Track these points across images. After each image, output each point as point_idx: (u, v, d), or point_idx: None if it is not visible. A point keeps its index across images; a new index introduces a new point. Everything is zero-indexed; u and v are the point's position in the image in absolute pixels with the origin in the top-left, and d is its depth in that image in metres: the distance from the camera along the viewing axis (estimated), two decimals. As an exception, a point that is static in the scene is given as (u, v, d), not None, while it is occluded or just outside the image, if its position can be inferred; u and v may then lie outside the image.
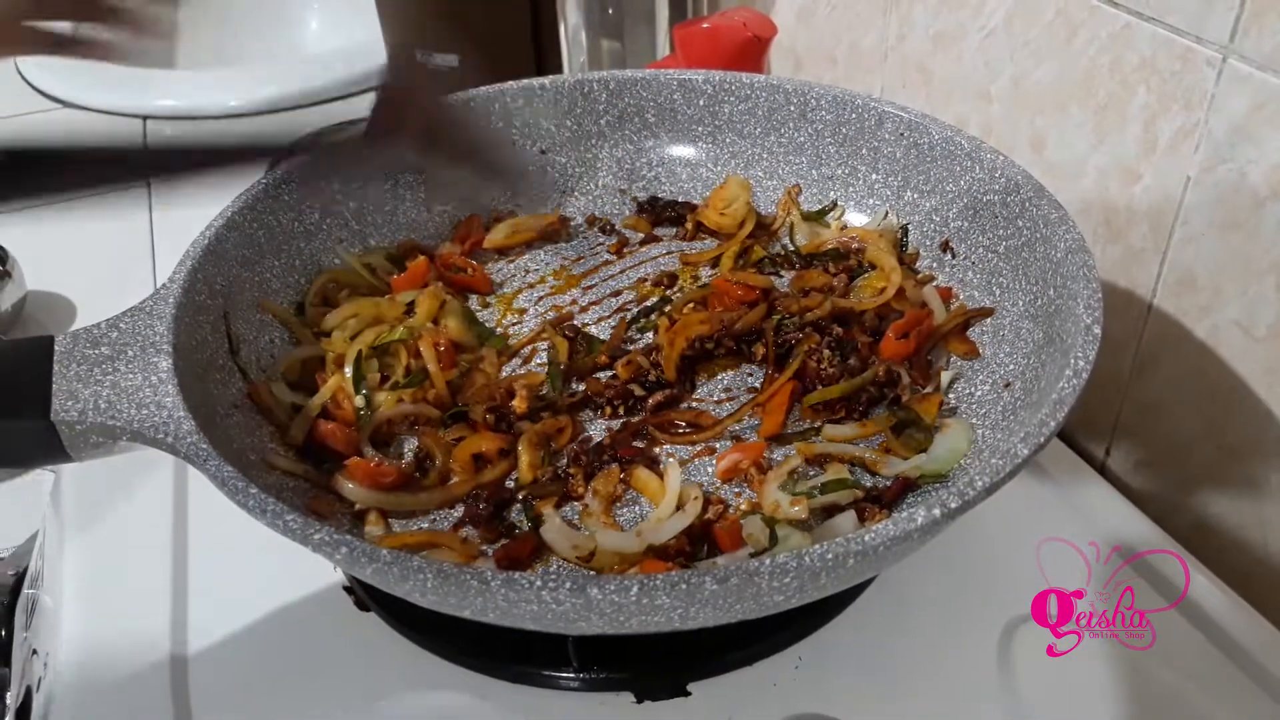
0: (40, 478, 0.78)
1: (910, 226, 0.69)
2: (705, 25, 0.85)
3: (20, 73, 1.28)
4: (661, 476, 0.55)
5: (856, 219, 0.72)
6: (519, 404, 0.58)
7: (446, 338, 0.62)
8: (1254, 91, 0.54)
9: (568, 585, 0.39)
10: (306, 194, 0.65)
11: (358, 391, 0.58)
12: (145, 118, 1.18)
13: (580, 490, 0.54)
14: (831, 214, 0.72)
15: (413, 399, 0.58)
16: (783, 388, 0.59)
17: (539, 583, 0.39)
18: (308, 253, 0.65)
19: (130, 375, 0.48)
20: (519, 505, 0.54)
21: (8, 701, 0.57)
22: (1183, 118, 0.59)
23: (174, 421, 0.46)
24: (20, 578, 0.66)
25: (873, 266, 0.67)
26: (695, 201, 0.76)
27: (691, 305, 0.66)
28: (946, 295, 0.64)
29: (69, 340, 0.49)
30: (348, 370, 0.58)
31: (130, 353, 0.49)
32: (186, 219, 0.99)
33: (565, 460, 0.56)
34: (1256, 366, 0.58)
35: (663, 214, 0.75)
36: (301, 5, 1.56)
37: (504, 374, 0.62)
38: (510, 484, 0.56)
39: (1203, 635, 0.55)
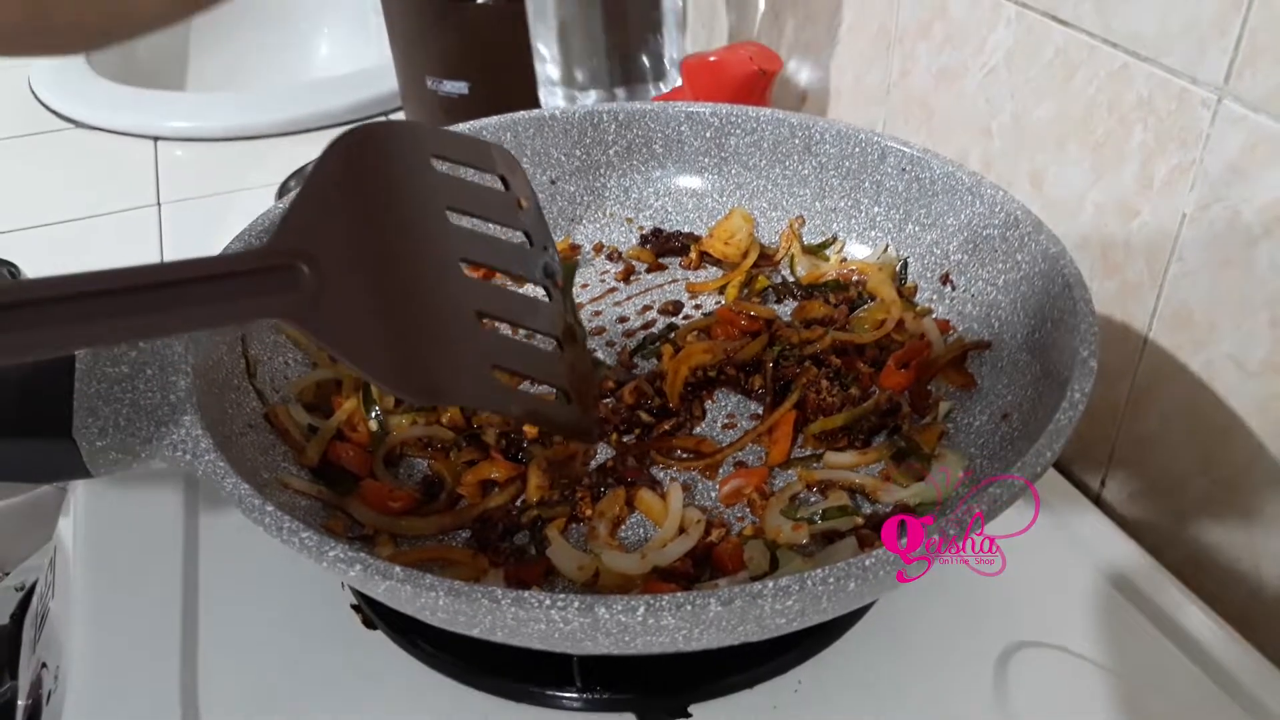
0: (50, 493, 0.79)
1: (911, 259, 0.70)
2: (712, 58, 0.86)
3: (33, 92, 1.30)
4: (665, 499, 0.56)
5: (859, 250, 0.73)
6: (530, 428, 0.59)
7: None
8: (1248, 132, 0.56)
9: (576, 605, 0.40)
10: None
11: (369, 415, 0.59)
12: (156, 139, 1.20)
13: (588, 511, 0.55)
14: (831, 248, 0.73)
15: (426, 422, 0.59)
16: (785, 417, 0.60)
17: (548, 602, 0.40)
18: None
19: (149, 394, 0.49)
20: (526, 530, 0.55)
21: (16, 715, 0.58)
22: (1179, 156, 0.60)
23: (192, 440, 0.47)
24: (29, 592, 0.67)
25: (872, 298, 0.68)
26: (700, 232, 0.77)
27: (695, 333, 0.67)
28: (945, 328, 0.65)
29: (89, 358, 0.50)
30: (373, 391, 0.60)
31: (149, 372, 0.50)
32: (196, 241, 1.01)
33: (567, 480, 0.58)
34: (1249, 401, 0.59)
35: (666, 245, 0.76)
36: (312, 30, 1.58)
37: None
38: (518, 504, 0.57)
39: (1198, 669, 0.55)
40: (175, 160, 1.17)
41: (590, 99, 0.89)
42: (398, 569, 0.41)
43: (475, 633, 0.43)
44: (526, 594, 0.40)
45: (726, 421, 0.62)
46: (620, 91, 0.90)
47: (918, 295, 0.69)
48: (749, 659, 0.53)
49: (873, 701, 0.53)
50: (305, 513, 0.53)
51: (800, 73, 0.97)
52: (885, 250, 0.71)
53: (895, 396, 0.61)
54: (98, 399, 0.49)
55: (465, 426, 0.60)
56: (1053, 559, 0.61)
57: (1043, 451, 0.46)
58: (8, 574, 0.74)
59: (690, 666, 0.53)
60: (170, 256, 0.99)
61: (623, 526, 0.56)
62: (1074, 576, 0.60)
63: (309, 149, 1.12)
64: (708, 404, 0.63)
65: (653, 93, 0.90)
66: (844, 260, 0.72)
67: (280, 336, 0.62)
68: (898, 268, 0.70)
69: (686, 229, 0.77)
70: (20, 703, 0.58)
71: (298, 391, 0.61)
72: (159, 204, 1.08)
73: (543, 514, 0.55)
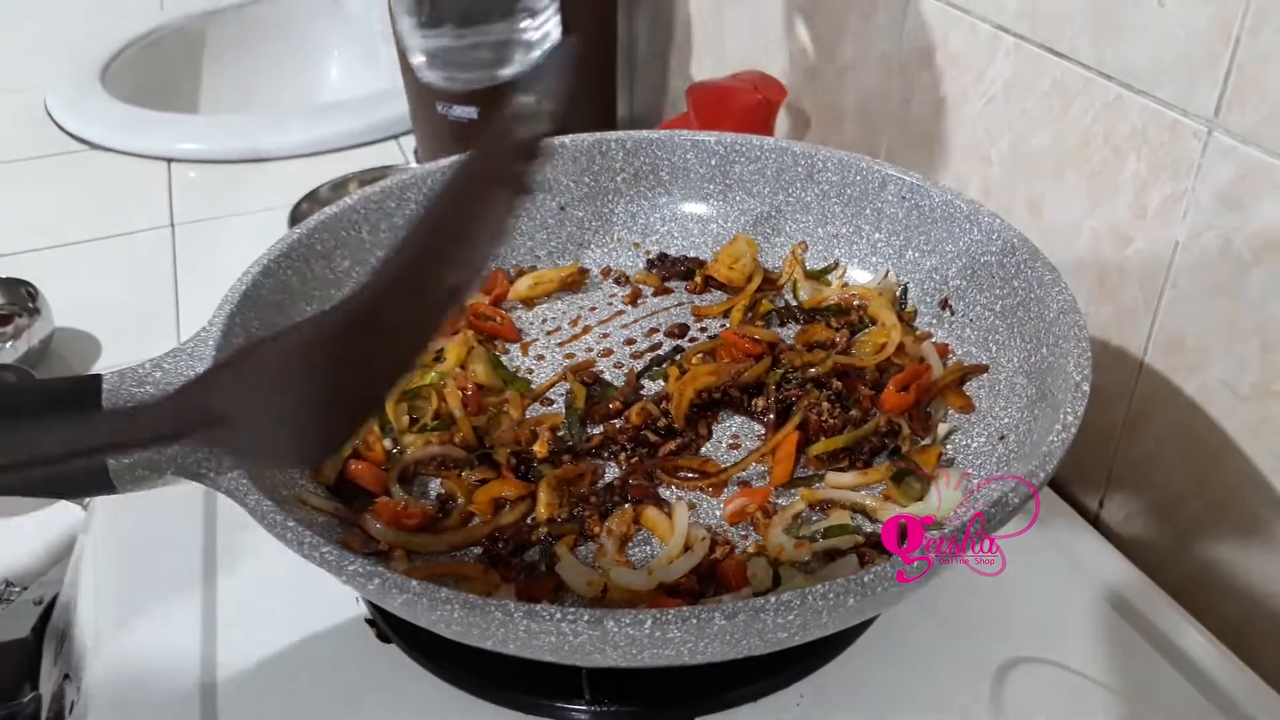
0: (65, 508, 0.80)
1: (911, 285, 0.72)
2: (718, 87, 0.88)
3: (49, 114, 1.32)
4: (670, 517, 0.57)
5: (860, 276, 0.74)
6: (540, 448, 0.60)
7: (473, 382, 0.65)
8: (1237, 163, 0.57)
9: (585, 617, 0.41)
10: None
11: (384, 435, 0.61)
12: (169, 160, 1.22)
13: (596, 529, 0.57)
14: (833, 273, 0.75)
15: (440, 441, 0.61)
16: (788, 438, 0.61)
17: (558, 615, 0.41)
18: (337, 299, 0.68)
19: (173, 413, 0.51)
20: (536, 547, 0.57)
21: (40, 724, 0.59)
22: (1171, 186, 0.62)
23: (215, 457, 0.49)
24: (50, 606, 0.69)
25: (873, 321, 0.70)
26: (705, 256, 0.79)
27: (700, 356, 0.69)
28: (943, 352, 0.67)
29: (115, 379, 0.52)
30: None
31: (173, 392, 0.52)
32: (208, 260, 1.03)
33: (575, 499, 0.59)
34: (1241, 424, 0.61)
35: (672, 270, 0.78)
36: (323, 54, 1.60)
37: (527, 416, 0.65)
38: (529, 522, 0.58)
39: (1192, 686, 0.56)
40: (188, 181, 1.19)
41: (436, 41, 0.84)
42: (414, 583, 0.43)
43: (489, 645, 0.45)
44: (538, 607, 0.42)
45: (731, 442, 0.64)
46: (468, 31, 0.83)
47: (917, 320, 0.70)
48: (752, 673, 0.54)
49: (873, 714, 0.54)
50: (322, 529, 0.54)
51: (804, 100, 0.99)
52: (885, 276, 0.73)
53: (895, 418, 0.62)
54: (124, 418, 0.50)
55: (478, 446, 0.62)
56: (1051, 577, 0.62)
57: (1036, 472, 0.47)
58: (25, 588, 0.75)
59: (695, 680, 0.54)
60: (184, 277, 1.01)
61: (629, 544, 0.57)
62: (1072, 595, 0.61)
63: (320, 171, 1.14)
64: (714, 425, 0.65)
65: (504, 30, 0.82)
66: (845, 285, 0.74)
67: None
68: (897, 293, 0.72)
69: (692, 254, 0.79)
70: (44, 714, 0.60)
71: (314, 411, 0.62)
72: (173, 225, 1.10)
73: (552, 531, 0.57)
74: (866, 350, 0.68)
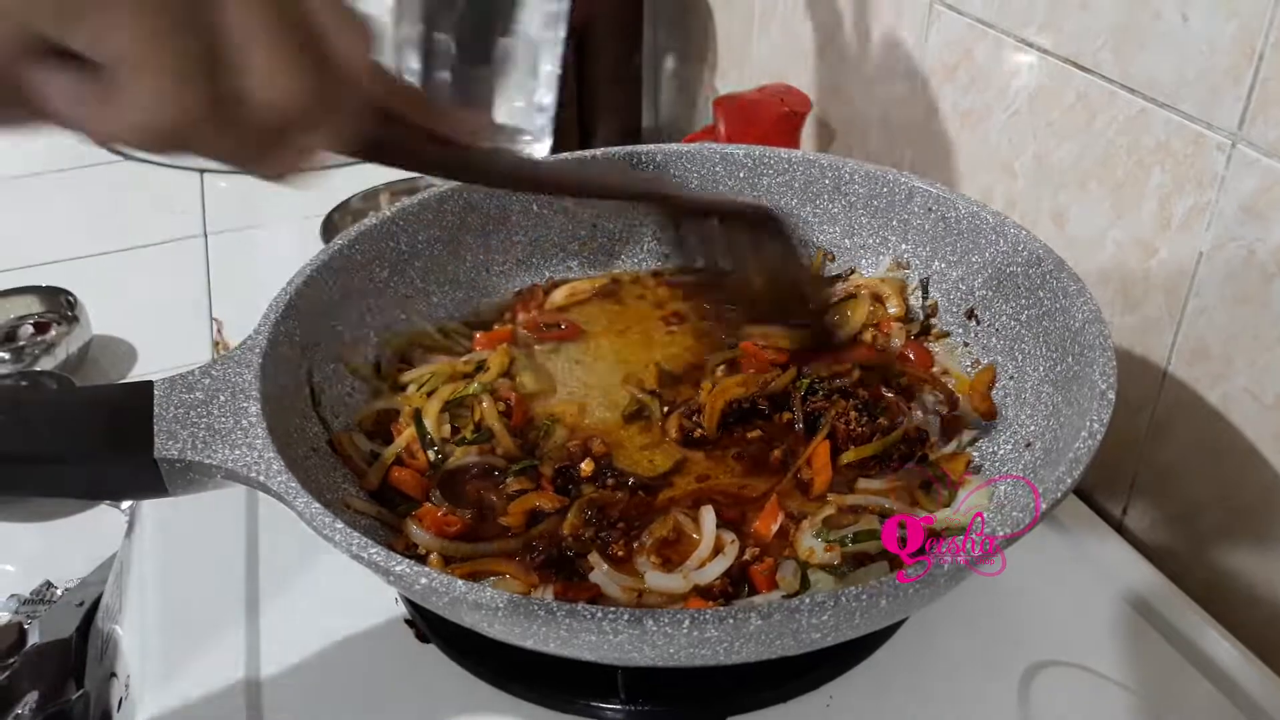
0: (108, 514, 0.82)
1: (938, 295, 0.73)
2: (746, 99, 0.90)
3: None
4: (697, 521, 0.58)
5: (885, 286, 0.75)
6: (586, 467, 0.61)
7: (518, 393, 0.66)
8: (1260, 175, 0.58)
9: (625, 616, 0.42)
10: None
11: (425, 446, 0.62)
12: (202, 171, 1.24)
13: (621, 552, 0.57)
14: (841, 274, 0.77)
15: (480, 451, 0.62)
16: (820, 448, 0.62)
17: (599, 614, 0.43)
18: (377, 308, 0.70)
19: (223, 419, 0.52)
20: (572, 555, 0.57)
21: (89, 720, 0.61)
22: (1195, 197, 0.63)
23: (264, 461, 0.50)
24: (93, 607, 0.70)
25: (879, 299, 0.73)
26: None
27: (722, 366, 0.70)
28: (926, 364, 0.69)
29: (166, 385, 0.53)
30: (426, 424, 0.63)
31: (222, 398, 0.54)
32: (241, 269, 1.05)
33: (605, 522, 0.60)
34: (1265, 432, 0.62)
35: (700, 280, 0.79)
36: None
37: (588, 420, 0.67)
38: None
39: (1217, 690, 0.57)
40: (220, 192, 1.21)
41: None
42: (460, 583, 0.44)
43: (529, 644, 0.46)
44: (579, 606, 0.43)
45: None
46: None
47: (939, 325, 0.72)
48: (783, 675, 0.56)
49: (901, 716, 0.55)
50: (365, 532, 0.55)
51: (830, 112, 1.00)
52: (898, 268, 0.74)
53: (923, 426, 0.63)
54: (175, 423, 0.52)
55: (519, 456, 0.63)
56: (1076, 583, 0.63)
57: (1063, 478, 0.48)
58: (68, 589, 0.77)
59: (727, 681, 0.56)
60: (217, 285, 1.03)
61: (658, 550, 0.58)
62: (1096, 600, 0.62)
63: (350, 182, 1.15)
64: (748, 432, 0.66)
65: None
66: (853, 271, 0.76)
67: (339, 365, 0.66)
68: (911, 286, 0.73)
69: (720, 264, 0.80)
70: (92, 711, 0.61)
71: (359, 420, 0.64)
72: (205, 234, 1.12)
73: (579, 550, 0.57)
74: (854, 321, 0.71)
